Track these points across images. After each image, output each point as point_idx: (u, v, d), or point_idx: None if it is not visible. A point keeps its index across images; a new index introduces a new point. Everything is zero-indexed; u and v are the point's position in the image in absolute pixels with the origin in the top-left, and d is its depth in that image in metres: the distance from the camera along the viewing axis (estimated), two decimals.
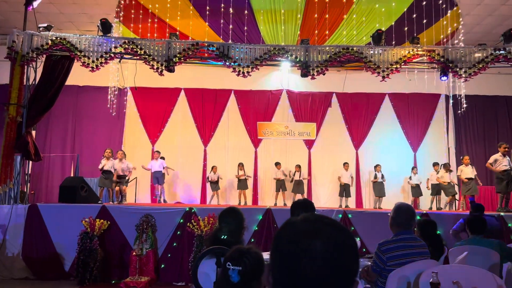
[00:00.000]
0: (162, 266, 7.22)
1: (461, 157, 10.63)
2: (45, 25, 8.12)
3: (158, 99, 12.63)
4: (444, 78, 9.07)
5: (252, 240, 7.21)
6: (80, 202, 7.88)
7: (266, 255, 2.00)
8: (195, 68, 11.61)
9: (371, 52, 7.99)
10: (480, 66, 7.90)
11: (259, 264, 1.88)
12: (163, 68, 7.89)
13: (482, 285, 2.83)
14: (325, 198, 12.34)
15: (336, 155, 12.59)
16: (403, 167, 12.22)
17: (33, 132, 9.42)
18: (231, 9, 9.33)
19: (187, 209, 7.41)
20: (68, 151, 12.42)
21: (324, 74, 8.10)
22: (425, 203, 11.38)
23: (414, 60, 8.31)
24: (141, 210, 7.39)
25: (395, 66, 7.93)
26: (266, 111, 12.94)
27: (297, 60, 7.99)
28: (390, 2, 9.48)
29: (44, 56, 8.24)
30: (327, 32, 9.66)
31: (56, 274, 7.16)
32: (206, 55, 8.67)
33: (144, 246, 6.97)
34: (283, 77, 12.72)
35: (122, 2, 10.11)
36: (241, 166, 11.64)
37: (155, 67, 7.89)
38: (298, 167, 11.66)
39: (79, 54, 7.85)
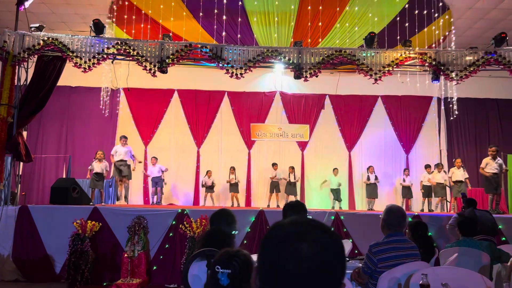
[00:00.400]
0: (154, 268, 7.20)
1: (454, 160, 10.72)
2: (37, 25, 8.06)
3: (151, 100, 12.59)
4: (436, 81, 9.16)
5: (245, 242, 7.21)
6: (72, 204, 7.82)
7: (256, 258, 2.00)
8: (189, 69, 11.59)
9: (364, 54, 8.03)
10: (471, 69, 7.97)
11: (248, 267, 1.88)
12: (156, 69, 7.86)
13: (471, 286, 2.85)
14: (318, 200, 12.36)
15: (329, 157, 12.64)
16: (395, 169, 12.30)
17: (25, 133, 9.37)
18: (224, 10, 9.33)
19: (180, 210, 7.40)
20: (60, 152, 12.33)
21: (317, 76, 8.12)
22: (417, 205, 11.44)
23: (406, 63, 8.36)
24: (133, 212, 7.36)
25: (387, 69, 7.97)
26: (260, 112, 12.95)
27: (290, 62, 8.01)
28: (382, 5, 9.54)
29: (36, 56, 8.18)
30: (320, 34, 9.69)
31: (47, 276, 7.11)
32: (199, 56, 8.66)
33: (136, 248, 6.94)
34: (276, 79, 12.74)
35: (115, 2, 10.08)
36: (232, 170, 11.62)
37: (148, 68, 7.86)
38: (292, 168, 11.68)
39: (71, 54, 7.80)
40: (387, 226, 3.36)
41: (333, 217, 7.59)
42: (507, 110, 12.81)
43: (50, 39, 7.87)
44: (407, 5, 9.51)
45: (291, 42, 10.07)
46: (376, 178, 11.45)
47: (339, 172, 11.87)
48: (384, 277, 3.15)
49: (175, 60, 7.93)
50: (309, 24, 9.59)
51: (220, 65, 8.01)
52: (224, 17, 9.43)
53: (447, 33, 10.39)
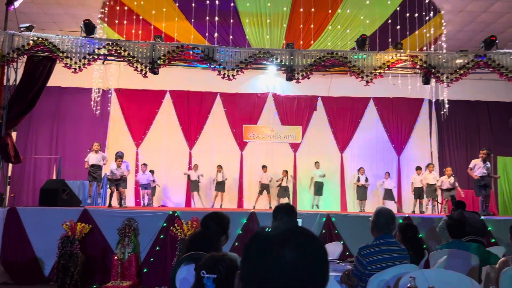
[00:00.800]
0: (145, 270, 7.14)
1: (444, 169, 10.75)
2: (27, 25, 7.98)
3: (143, 101, 12.53)
4: (427, 85, 9.24)
5: (236, 244, 7.18)
6: (61, 206, 7.75)
7: None
8: (181, 70, 11.56)
9: (355, 57, 8.06)
10: (462, 72, 8.02)
11: (234, 272, 1.86)
12: (147, 70, 7.81)
13: None
14: (310, 201, 12.38)
15: (321, 159, 12.65)
16: (387, 171, 12.33)
17: (14, 134, 9.27)
18: (217, 12, 9.31)
19: (170, 212, 7.35)
20: (50, 153, 12.22)
21: (308, 78, 8.13)
22: (409, 207, 11.49)
23: (397, 65, 8.40)
24: (124, 214, 7.30)
25: (378, 71, 8.00)
26: (252, 114, 12.95)
27: (282, 63, 8.01)
28: (374, 8, 9.58)
29: (25, 56, 8.09)
30: (312, 36, 9.70)
31: (36, 279, 7.03)
32: (191, 57, 8.64)
33: (126, 250, 6.89)
34: (269, 81, 12.76)
35: (107, 3, 10.01)
36: (219, 168, 11.64)
37: (139, 69, 7.81)
38: (285, 172, 11.73)
39: (61, 55, 7.73)
40: (377, 229, 3.36)
41: (324, 219, 7.58)
42: (498, 112, 12.93)
43: (40, 39, 7.79)
44: (398, 8, 9.56)
45: (284, 44, 10.07)
46: (366, 179, 11.50)
47: (333, 173, 11.96)
48: (374, 279, 3.14)
49: (166, 61, 7.89)
50: (301, 26, 9.61)
51: (212, 66, 7.98)
52: (216, 18, 9.40)
53: (438, 36, 10.47)
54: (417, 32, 9.79)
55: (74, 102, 12.22)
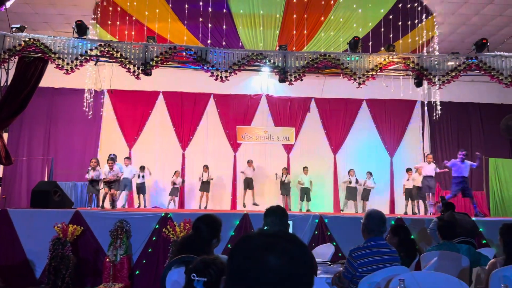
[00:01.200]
0: (137, 272, 7.11)
1: (426, 155, 10.83)
2: (18, 25, 7.91)
3: (135, 102, 12.48)
4: (419, 87, 9.30)
5: (229, 245, 7.17)
6: (53, 207, 7.68)
7: None
8: (174, 71, 11.53)
9: (348, 58, 8.09)
10: (453, 74, 8.08)
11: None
12: (140, 71, 7.79)
13: None
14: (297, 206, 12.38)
15: (314, 160, 12.69)
16: (380, 172, 12.38)
17: (5, 135, 9.20)
18: (210, 13, 9.30)
19: (163, 214, 7.33)
20: (42, 154, 12.14)
21: (301, 80, 8.15)
22: (401, 208, 11.54)
23: (390, 67, 8.44)
24: (116, 216, 7.27)
25: (371, 73, 8.03)
26: (246, 115, 12.95)
27: (275, 65, 8.02)
28: (367, 10, 9.62)
29: (17, 57, 8.03)
30: (305, 38, 9.73)
31: (27, 281, 6.97)
32: (184, 58, 8.62)
33: (118, 252, 6.86)
34: (262, 82, 12.77)
35: (100, 3, 9.97)
36: (205, 168, 11.64)
37: (132, 70, 7.78)
38: (285, 169, 11.86)
39: (53, 56, 7.68)
40: (367, 231, 3.38)
41: (317, 220, 7.60)
42: (489, 114, 13.04)
43: (32, 40, 7.74)
44: (391, 10, 9.61)
45: (277, 44, 10.08)
46: (357, 181, 11.57)
47: (326, 174, 11.98)
48: (364, 281, 3.16)
49: (159, 62, 7.87)
50: (294, 20, 9.61)
51: (205, 67, 7.97)
52: (210, 20, 9.39)
53: (430, 38, 10.53)
54: (409, 34, 9.84)
55: (67, 103, 12.14)
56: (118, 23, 9.68)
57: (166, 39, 9.55)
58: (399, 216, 8.08)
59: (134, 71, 7.79)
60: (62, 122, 12.28)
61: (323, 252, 5.39)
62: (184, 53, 8.04)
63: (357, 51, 8.15)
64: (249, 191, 11.67)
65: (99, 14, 9.98)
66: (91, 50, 7.85)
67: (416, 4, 9.57)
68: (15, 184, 11.88)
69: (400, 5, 9.47)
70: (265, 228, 3.34)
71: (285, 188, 11.72)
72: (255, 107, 12.96)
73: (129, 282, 6.92)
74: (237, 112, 12.86)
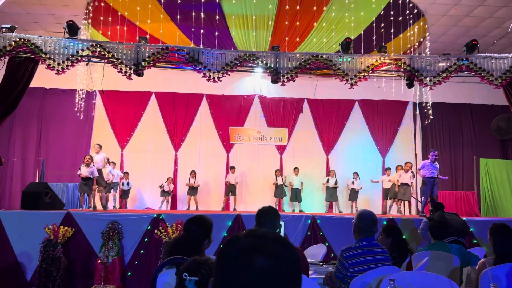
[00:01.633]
0: (129, 274, 7.08)
1: (404, 163, 10.89)
2: (8, 25, 7.83)
3: (128, 102, 12.41)
4: (411, 88, 9.38)
5: (222, 246, 7.15)
6: (44, 209, 7.63)
7: None
8: (167, 72, 11.48)
9: (340, 59, 8.12)
10: (444, 75, 8.14)
11: None
12: (132, 72, 7.75)
13: None
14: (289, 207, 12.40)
15: (307, 161, 12.72)
16: (372, 172, 12.42)
17: None
18: (202, 13, 9.28)
19: (155, 215, 7.30)
20: (33, 155, 12.03)
21: (294, 81, 8.16)
22: (393, 208, 11.58)
23: (381, 68, 8.49)
24: (107, 217, 7.23)
25: (363, 74, 8.07)
26: (238, 116, 12.94)
27: (268, 66, 8.02)
28: (359, 11, 9.66)
29: (7, 57, 7.96)
30: (297, 39, 9.75)
31: (17, 283, 6.92)
32: (176, 59, 8.59)
33: (110, 253, 6.83)
34: (255, 83, 12.78)
35: (91, 3, 9.91)
36: (193, 173, 11.62)
37: (123, 70, 7.74)
38: (278, 171, 11.85)
39: (44, 56, 7.62)
40: (358, 231, 3.40)
41: (309, 221, 7.62)
42: (480, 115, 13.16)
43: (22, 40, 7.66)
44: (383, 12, 9.66)
45: (269, 45, 10.09)
46: (336, 182, 11.62)
47: (318, 175, 11.98)
48: (356, 281, 3.17)
49: (151, 63, 7.84)
50: (287, 22, 9.63)
51: (197, 68, 7.96)
52: (202, 20, 9.38)
53: (422, 39, 10.60)
54: (401, 35, 9.90)
55: (58, 103, 12.06)
56: (110, 23, 9.63)
57: (158, 39, 9.51)
58: (391, 216, 8.12)
59: (125, 72, 7.75)
60: (53, 123, 12.19)
61: (315, 253, 5.40)
62: (176, 54, 8.01)
63: (349, 52, 8.18)
64: (232, 197, 11.65)
65: (91, 14, 9.93)
66: (82, 50, 7.80)
67: (408, 6, 9.63)
68: (5, 186, 11.77)
69: (392, 7, 9.52)
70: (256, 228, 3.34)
71: (279, 190, 11.71)
72: (248, 107, 12.95)
73: (121, 283, 6.88)
74: (230, 113, 12.85)
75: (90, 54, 7.95)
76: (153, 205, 11.98)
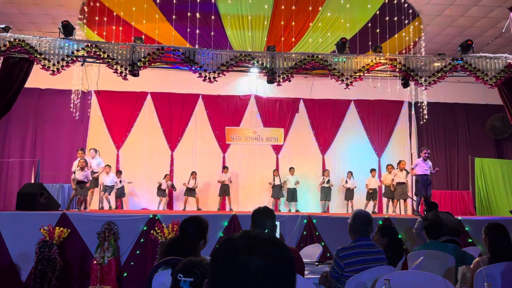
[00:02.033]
0: (125, 274, 7.06)
1: (398, 162, 10.90)
2: (3, 26, 7.79)
3: (123, 103, 12.39)
4: (406, 87, 9.41)
5: (217, 246, 7.15)
6: (39, 210, 7.60)
7: None
8: (162, 72, 11.47)
9: (336, 60, 8.13)
10: (439, 75, 8.17)
11: None
12: (127, 72, 7.73)
13: None
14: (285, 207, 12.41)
15: (303, 160, 12.74)
16: (368, 172, 12.46)
17: None
18: (198, 13, 9.28)
19: (151, 216, 7.29)
20: (29, 156, 11.98)
21: (289, 81, 8.17)
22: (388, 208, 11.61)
23: (377, 68, 8.51)
24: (103, 218, 7.20)
25: (358, 74, 8.09)
26: (234, 116, 12.94)
27: (263, 66, 8.03)
28: (354, 11, 9.68)
29: (2, 57, 7.92)
30: (293, 39, 9.76)
31: (12, 285, 6.88)
32: (172, 59, 8.58)
33: (106, 254, 6.81)
34: (251, 83, 12.78)
35: (86, 3, 9.87)
36: (194, 174, 11.62)
37: (119, 71, 7.72)
38: (276, 171, 11.88)
39: (39, 56, 7.58)
40: (354, 231, 3.41)
41: (305, 221, 7.63)
42: (475, 114, 13.23)
43: (17, 40, 7.63)
44: (378, 12, 9.68)
45: (265, 45, 10.10)
46: (328, 181, 11.65)
47: (314, 174, 11.98)
48: (351, 281, 3.18)
49: (146, 63, 7.82)
50: (282, 23, 9.64)
51: (193, 68, 7.95)
52: (198, 20, 9.37)
53: (417, 39, 10.64)
54: (396, 35, 9.93)
55: (54, 104, 12.02)
56: (105, 23, 9.60)
57: (154, 39, 9.50)
58: (386, 216, 8.15)
59: (121, 72, 7.73)
60: (48, 123, 12.15)
61: (311, 253, 5.41)
62: (172, 54, 8.00)
63: (345, 52, 8.20)
64: (226, 197, 11.66)
65: (86, 14, 9.89)
66: (77, 50, 7.77)
67: (403, 6, 9.67)
68: (0, 186, 11.72)
69: (387, 7, 9.55)
70: (251, 229, 3.35)
71: (277, 191, 11.71)
72: (244, 108, 12.96)
73: (117, 284, 6.86)
74: (226, 113, 12.85)
75: (86, 55, 7.92)
76: (149, 206, 11.96)
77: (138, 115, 12.60)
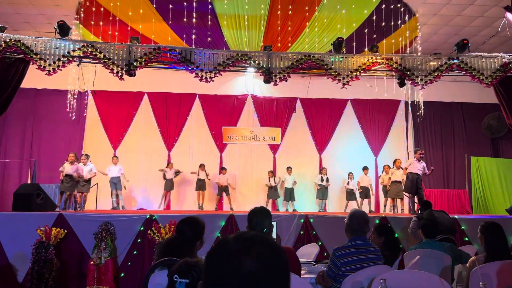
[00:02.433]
0: (122, 275, 7.05)
1: (394, 160, 10.90)
2: None
3: (120, 103, 12.37)
4: (402, 87, 9.43)
5: (212, 248, 7.14)
6: (36, 210, 7.56)
7: None
8: (159, 72, 11.45)
9: (332, 59, 8.14)
10: (435, 74, 8.19)
11: None
12: (123, 72, 7.71)
13: None
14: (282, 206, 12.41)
15: (300, 160, 12.75)
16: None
17: None
18: (194, 13, 9.27)
19: (148, 216, 7.27)
20: (25, 156, 11.94)
21: (286, 81, 8.17)
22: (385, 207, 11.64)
23: (373, 68, 8.52)
24: (100, 218, 7.19)
25: (354, 74, 8.09)
26: (231, 116, 12.94)
27: (260, 66, 8.02)
28: (351, 11, 9.70)
29: None
30: (290, 39, 9.76)
31: (9, 286, 6.85)
32: (168, 59, 8.56)
33: (103, 254, 6.79)
34: (248, 82, 12.78)
35: (83, 4, 9.84)
36: (202, 167, 11.60)
37: (115, 71, 7.69)
38: (271, 173, 11.87)
39: (34, 57, 7.55)
40: (350, 231, 3.42)
41: (302, 220, 7.64)
42: (471, 113, 13.28)
43: (12, 40, 7.59)
44: (374, 11, 9.70)
45: (262, 45, 10.10)
46: (327, 180, 11.66)
47: (311, 174, 12.00)
48: (348, 280, 3.19)
49: (143, 63, 7.80)
50: (279, 22, 9.65)
51: (190, 68, 7.94)
52: (194, 20, 9.36)
53: (413, 39, 10.66)
54: (392, 35, 9.95)
55: (50, 104, 11.99)
56: (101, 23, 9.58)
57: (150, 39, 9.48)
58: (383, 215, 8.16)
59: (117, 72, 7.70)
60: (45, 124, 12.11)
61: (308, 252, 5.41)
62: (168, 54, 7.99)
63: (341, 51, 8.20)
64: (226, 197, 11.67)
65: (82, 14, 9.86)
66: (73, 51, 7.74)
67: (399, 5, 9.68)
68: None
69: (383, 6, 9.56)
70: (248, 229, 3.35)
71: (273, 192, 11.71)
72: (241, 107, 12.96)
73: (114, 285, 6.85)
74: (223, 113, 12.84)
75: (82, 55, 7.90)
76: (146, 206, 11.95)
77: (135, 115, 12.58)
